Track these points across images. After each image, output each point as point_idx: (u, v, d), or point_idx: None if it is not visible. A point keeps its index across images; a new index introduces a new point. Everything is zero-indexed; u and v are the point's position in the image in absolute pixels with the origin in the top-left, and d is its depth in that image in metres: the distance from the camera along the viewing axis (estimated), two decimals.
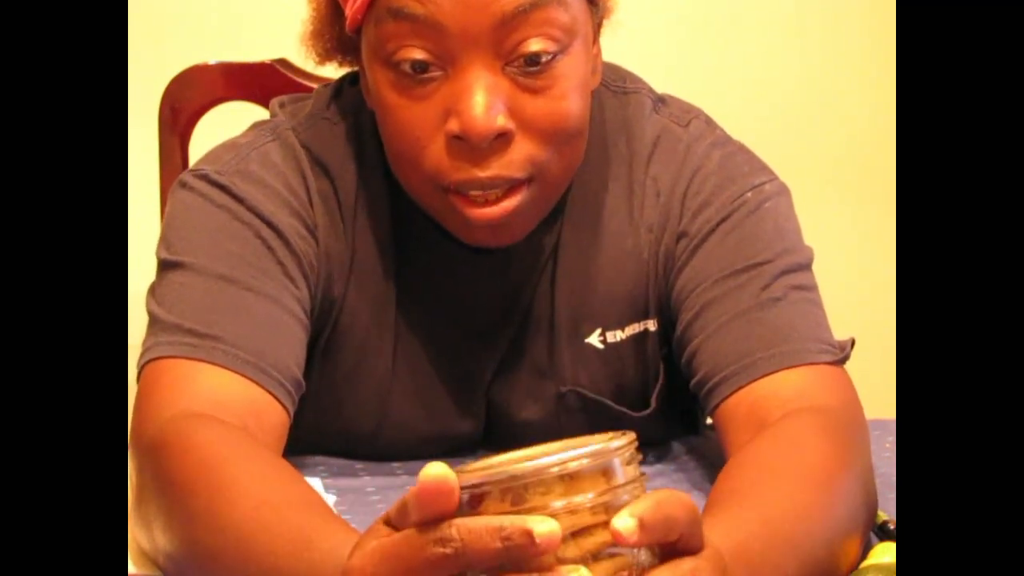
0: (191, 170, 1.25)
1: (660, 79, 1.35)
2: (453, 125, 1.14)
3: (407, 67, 1.14)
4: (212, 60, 1.67)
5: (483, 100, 1.12)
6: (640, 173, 1.28)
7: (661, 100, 1.31)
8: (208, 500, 0.98)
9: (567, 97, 1.16)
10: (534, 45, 1.13)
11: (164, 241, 1.21)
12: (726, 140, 1.30)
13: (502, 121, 1.14)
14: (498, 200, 1.16)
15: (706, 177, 1.26)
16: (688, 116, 1.30)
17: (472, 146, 1.14)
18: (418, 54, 1.13)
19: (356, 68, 1.27)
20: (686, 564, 0.79)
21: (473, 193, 1.16)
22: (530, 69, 1.14)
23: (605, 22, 1.25)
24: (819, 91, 2.60)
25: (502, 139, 1.14)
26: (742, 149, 1.30)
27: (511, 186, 1.16)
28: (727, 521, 0.94)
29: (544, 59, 1.14)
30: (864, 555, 1.04)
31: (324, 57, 1.27)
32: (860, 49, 2.59)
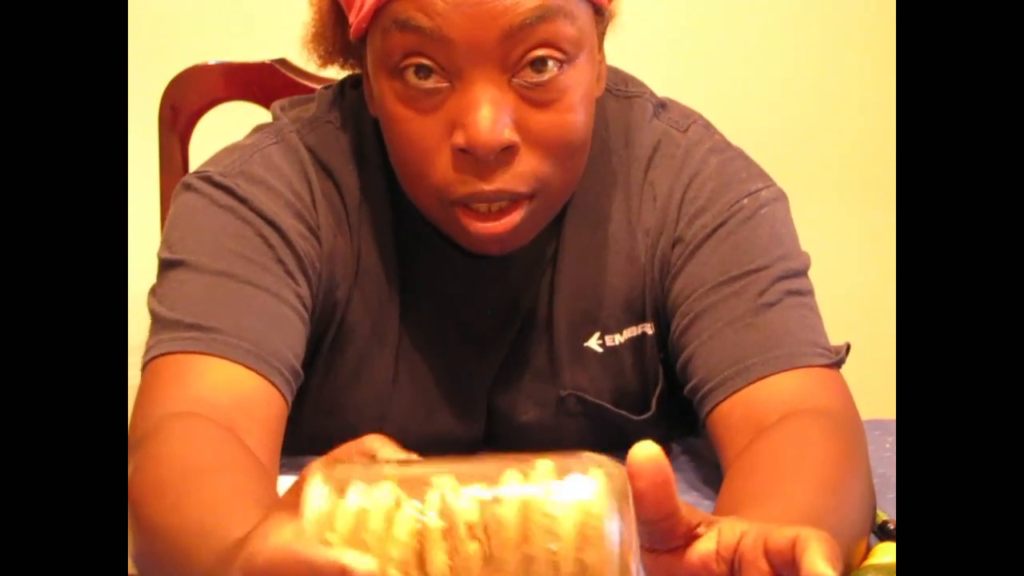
0: (195, 172, 1.25)
1: (660, 81, 1.35)
2: (459, 138, 1.13)
3: (413, 79, 1.14)
4: (212, 60, 1.67)
5: (489, 113, 1.12)
6: (639, 178, 1.28)
7: (662, 105, 1.31)
8: (152, 503, 1.00)
9: (573, 110, 1.16)
10: (542, 53, 1.13)
11: (166, 241, 1.22)
12: (724, 146, 1.30)
13: (508, 135, 1.13)
14: (501, 212, 1.16)
15: (703, 183, 1.26)
16: (687, 121, 1.30)
17: (477, 159, 1.13)
18: (425, 63, 1.13)
19: (358, 71, 1.27)
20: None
21: (477, 205, 1.16)
22: (536, 82, 1.14)
23: (608, 27, 1.24)
24: (819, 93, 2.60)
25: (507, 152, 1.14)
26: (740, 155, 1.30)
27: (514, 200, 1.16)
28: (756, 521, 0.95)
29: (550, 72, 1.14)
30: (864, 555, 1.05)
31: (326, 60, 1.27)
32: (860, 51, 2.59)
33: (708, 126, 1.32)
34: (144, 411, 1.11)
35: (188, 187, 1.24)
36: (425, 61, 1.13)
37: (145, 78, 1.77)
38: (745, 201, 1.25)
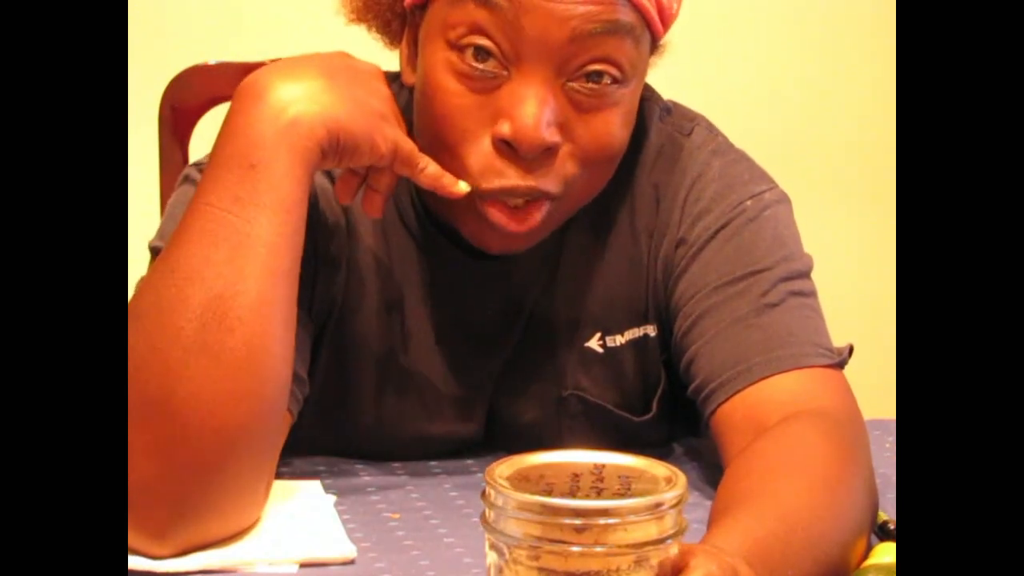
0: (195, 163, 1.25)
1: (662, 82, 1.35)
2: (504, 128, 1.14)
3: (470, 57, 1.14)
4: (212, 60, 1.67)
5: (539, 111, 1.13)
6: (642, 180, 1.28)
7: (667, 108, 1.32)
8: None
9: (615, 124, 1.17)
10: (600, 67, 1.14)
11: (160, 232, 1.22)
12: (727, 148, 1.30)
13: (552, 135, 1.14)
14: (525, 208, 1.16)
15: (706, 185, 1.27)
16: (691, 124, 1.31)
17: (519, 154, 1.14)
18: (488, 45, 1.13)
19: (380, 35, 1.26)
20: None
21: (508, 199, 1.16)
22: (589, 89, 1.15)
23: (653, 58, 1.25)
24: (820, 95, 2.61)
25: (549, 152, 1.15)
26: (743, 157, 1.30)
27: (540, 198, 1.16)
28: (745, 521, 0.95)
29: (606, 83, 1.15)
30: (865, 555, 1.05)
31: (358, 16, 1.26)
32: (860, 51, 2.59)
33: (711, 128, 1.32)
34: None
35: (186, 179, 1.24)
36: (488, 42, 1.13)
37: (145, 78, 1.77)
38: (748, 203, 1.26)
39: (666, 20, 1.19)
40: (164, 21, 2.32)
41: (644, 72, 1.21)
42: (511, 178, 1.14)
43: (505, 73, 1.14)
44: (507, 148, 1.14)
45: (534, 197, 1.16)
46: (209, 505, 1.05)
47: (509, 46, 1.13)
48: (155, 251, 1.20)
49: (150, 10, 2.29)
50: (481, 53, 1.14)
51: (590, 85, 1.15)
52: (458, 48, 1.14)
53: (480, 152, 1.15)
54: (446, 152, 1.17)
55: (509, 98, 1.14)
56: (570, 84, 1.15)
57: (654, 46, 1.21)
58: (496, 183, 1.15)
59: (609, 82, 1.15)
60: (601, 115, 1.16)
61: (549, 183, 1.16)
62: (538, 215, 1.17)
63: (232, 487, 1.06)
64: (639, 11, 1.16)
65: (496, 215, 1.16)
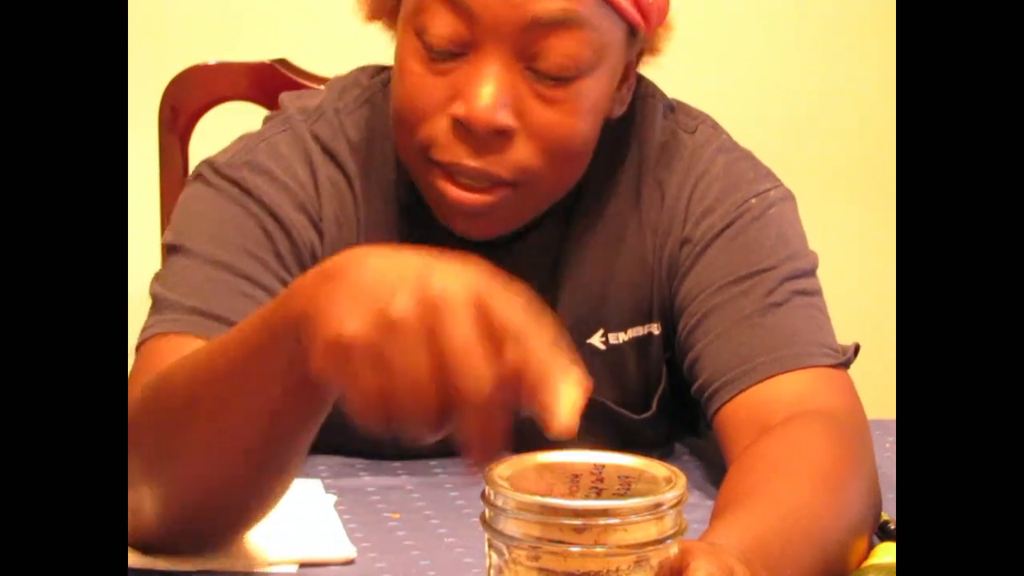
0: (205, 160, 1.27)
1: (664, 81, 1.35)
2: (458, 108, 1.15)
3: (431, 42, 1.16)
4: (212, 60, 1.67)
5: (492, 92, 1.14)
6: (647, 177, 1.28)
7: (671, 106, 1.32)
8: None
9: (577, 115, 1.17)
10: (556, 58, 1.15)
11: (171, 227, 1.24)
12: (732, 146, 1.30)
13: (505, 117, 1.15)
14: (479, 190, 1.17)
15: (710, 183, 1.27)
16: (695, 122, 1.31)
17: (472, 135, 1.15)
18: (445, 32, 1.15)
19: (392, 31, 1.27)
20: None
21: (457, 176, 1.17)
22: (548, 79, 1.16)
23: (648, 57, 1.25)
24: (822, 92, 2.60)
25: (503, 136, 1.15)
26: (748, 155, 1.30)
27: (494, 183, 1.17)
28: (745, 518, 0.96)
29: (564, 75, 1.15)
30: (865, 555, 1.05)
31: (373, 15, 1.27)
32: (860, 51, 2.59)
33: (716, 126, 1.32)
34: (138, 385, 1.11)
35: (197, 176, 1.26)
36: (445, 29, 1.15)
37: (145, 78, 1.76)
38: (753, 201, 1.26)
39: (644, 7, 1.19)
40: (164, 21, 2.32)
41: (614, 63, 1.20)
42: (461, 156, 1.16)
43: (464, 56, 1.15)
44: (462, 128, 1.15)
45: (486, 182, 1.17)
46: (215, 544, 1.06)
47: (467, 33, 1.15)
48: (168, 247, 1.22)
49: (150, 10, 2.28)
50: (440, 41, 1.15)
51: (548, 75, 1.15)
52: (420, 33, 1.16)
53: (436, 130, 1.17)
54: (406, 130, 1.19)
55: (466, 80, 1.15)
56: (530, 72, 1.15)
57: (633, 35, 1.21)
58: (445, 156, 1.17)
59: (572, 75, 1.16)
60: (561, 105, 1.17)
61: (499, 168, 1.17)
62: (490, 197, 1.17)
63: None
64: None
65: (445, 186, 1.18)
